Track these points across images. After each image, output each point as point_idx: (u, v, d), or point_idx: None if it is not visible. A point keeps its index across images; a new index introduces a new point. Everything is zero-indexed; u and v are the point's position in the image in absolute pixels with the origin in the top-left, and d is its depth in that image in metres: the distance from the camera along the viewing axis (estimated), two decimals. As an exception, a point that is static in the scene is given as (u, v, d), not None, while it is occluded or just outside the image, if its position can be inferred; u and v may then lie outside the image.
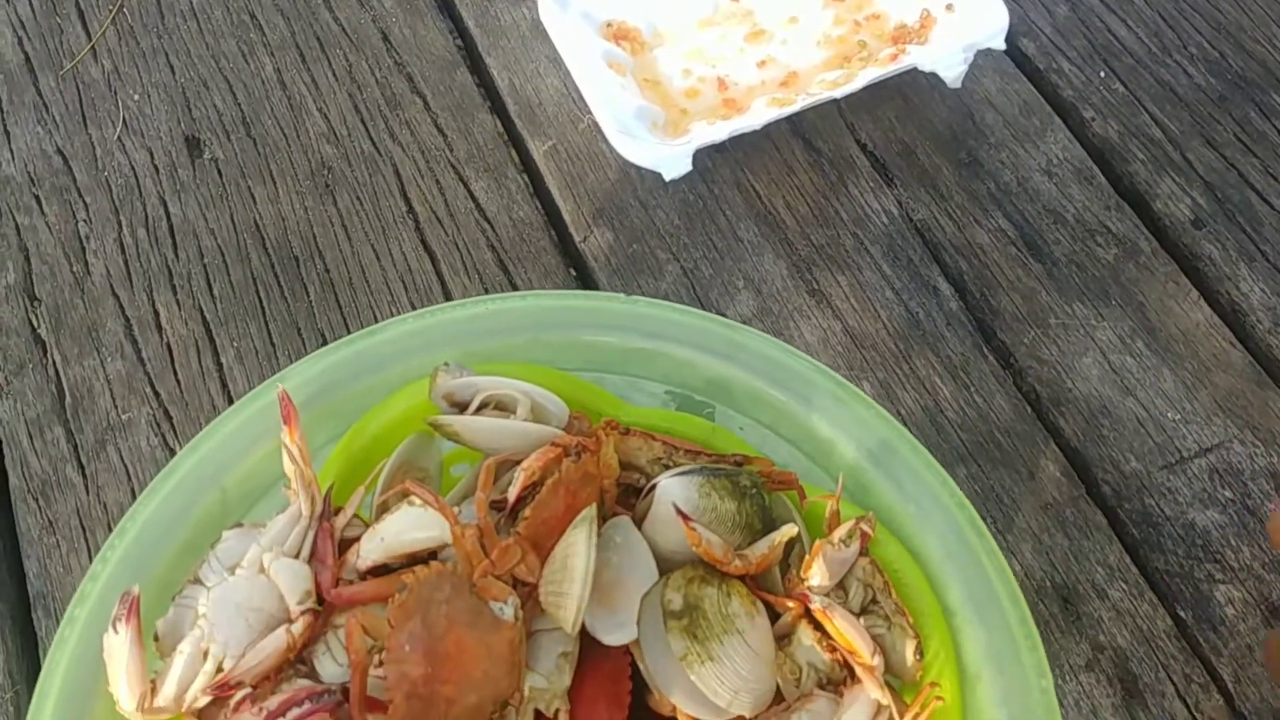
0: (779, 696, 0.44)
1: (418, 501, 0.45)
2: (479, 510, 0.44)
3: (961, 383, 0.65)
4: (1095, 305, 0.68)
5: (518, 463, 0.48)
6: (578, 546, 0.42)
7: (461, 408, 0.50)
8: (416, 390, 0.51)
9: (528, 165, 0.76)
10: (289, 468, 0.47)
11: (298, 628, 0.43)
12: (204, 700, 0.41)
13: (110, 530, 0.63)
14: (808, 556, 0.44)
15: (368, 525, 0.48)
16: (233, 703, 0.41)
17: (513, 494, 0.45)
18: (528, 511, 0.44)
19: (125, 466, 0.65)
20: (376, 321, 0.53)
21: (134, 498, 0.64)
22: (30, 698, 0.43)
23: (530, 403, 0.49)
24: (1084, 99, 0.77)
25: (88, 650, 0.43)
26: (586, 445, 0.46)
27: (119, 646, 0.42)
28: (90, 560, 0.62)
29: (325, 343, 0.67)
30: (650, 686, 0.45)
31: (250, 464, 0.49)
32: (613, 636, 0.44)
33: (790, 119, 0.74)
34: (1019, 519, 0.61)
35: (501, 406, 0.50)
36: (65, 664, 0.43)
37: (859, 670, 0.42)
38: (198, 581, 0.45)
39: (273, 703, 0.40)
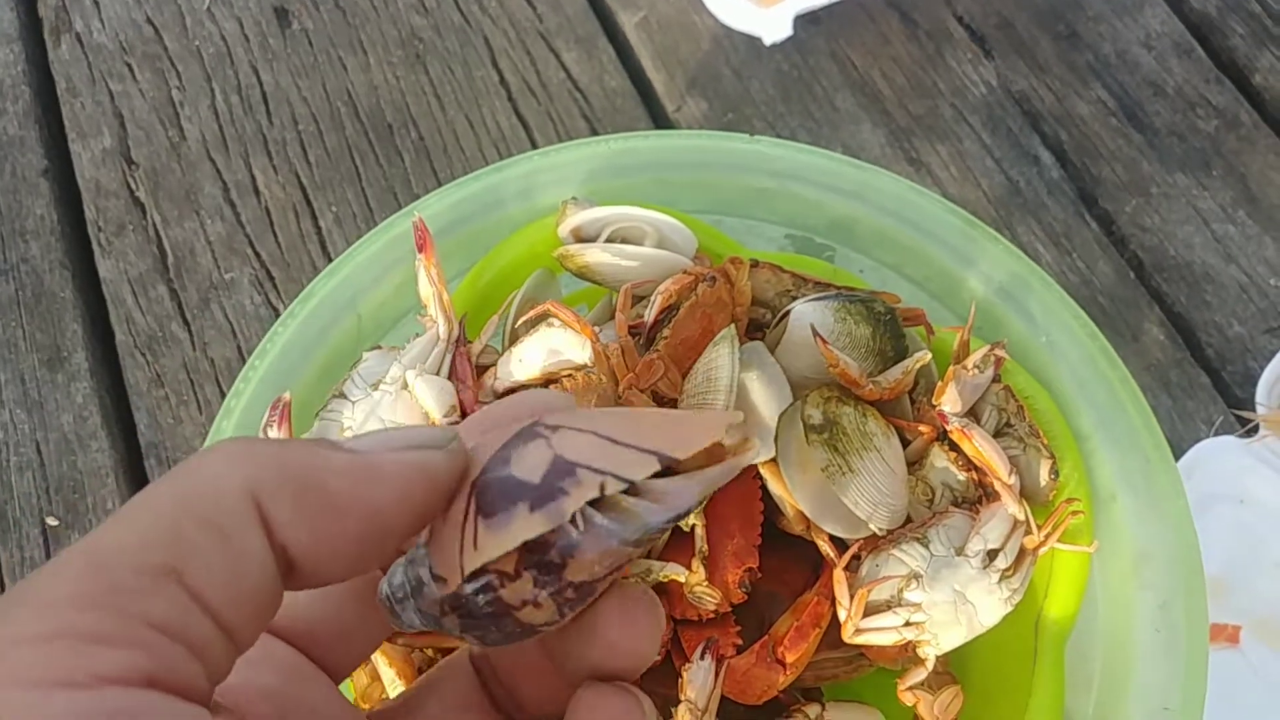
0: (909, 519, 0.45)
1: (556, 324, 0.46)
2: (619, 330, 0.44)
3: (1064, 249, 0.65)
4: (1196, 175, 0.68)
5: (644, 298, 0.48)
6: (720, 360, 0.43)
7: (588, 243, 0.50)
8: (541, 226, 0.51)
9: (618, 37, 0.75)
10: (425, 292, 0.47)
11: (445, 438, 0.44)
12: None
13: (219, 384, 0.64)
14: (940, 383, 0.45)
15: (500, 355, 0.48)
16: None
17: (650, 315, 0.45)
18: (666, 332, 0.45)
19: (230, 323, 0.65)
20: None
21: (240, 353, 0.65)
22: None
23: (658, 235, 0.49)
24: (1183, -25, 0.76)
25: (238, 460, 0.44)
26: (720, 270, 0.46)
27: (272, 453, 0.43)
28: (199, 412, 0.63)
29: (423, 207, 0.67)
30: (782, 507, 0.45)
31: (384, 292, 0.49)
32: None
33: (885, -9, 0.74)
34: (1123, 379, 0.61)
35: (628, 241, 0.50)
36: (216, 472, 0.44)
37: (997, 487, 0.42)
38: (342, 396, 0.45)
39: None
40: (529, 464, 0.20)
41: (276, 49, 0.75)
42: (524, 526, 0.19)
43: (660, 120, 0.72)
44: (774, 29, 0.68)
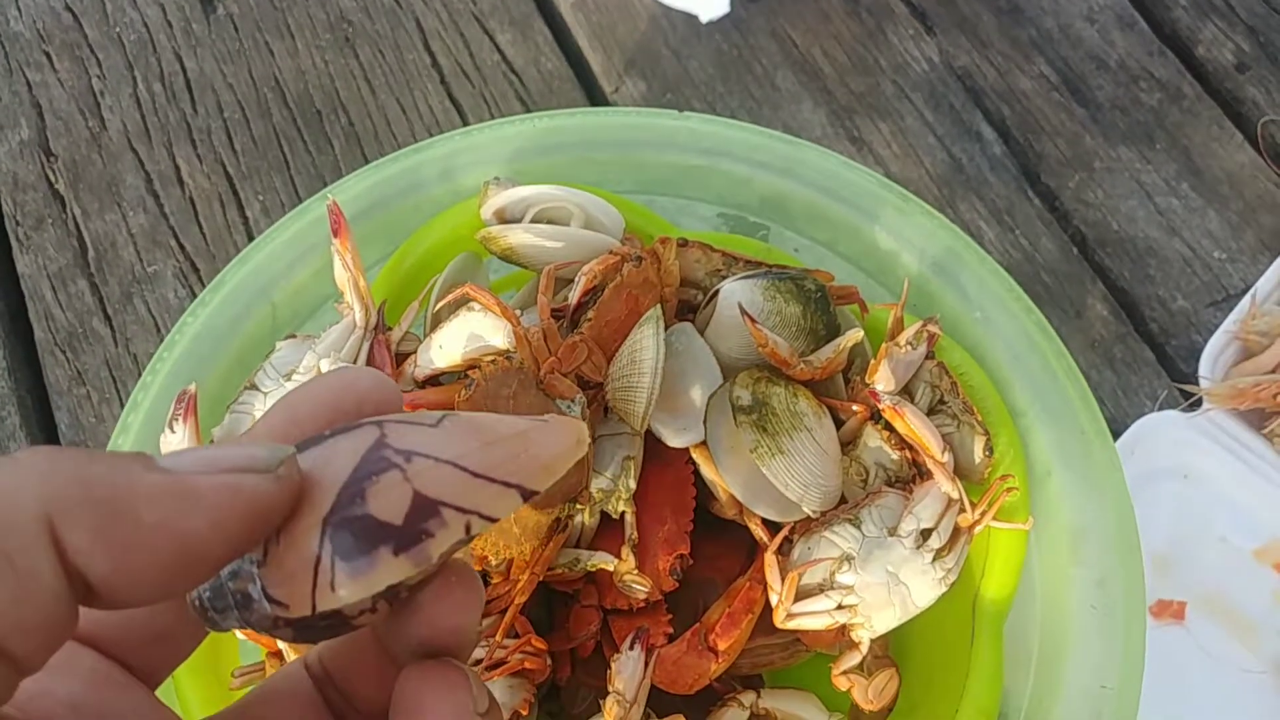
0: (843, 500, 0.44)
1: (476, 308, 0.44)
2: (541, 312, 0.43)
3: (1006, 225, 0.64)
4: (1140, 149, 0.67)
5: (569, 280, 0.47)
6: (645, 341, 0.42)
7: (512, 225, 0.48)
8: (465, 209, 0.49)
9: (554, 17, 0.74)
10: (341, 277, 0.45)
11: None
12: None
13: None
14: (873, 361, 0.44)
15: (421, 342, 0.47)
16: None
17: (574, 297, 0.44)
18: (591, 314, 0.43)
19: (153, 317, 0.63)
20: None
21: (165, 348, 0.62)
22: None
23: (584, 215, 0.48)
24: (1124, -52, 0.75)
25: (144, 456, 0.42)
26: (649, 251, 0.45)
27: (177, 446, 0.41)
28: (122, 409, 0.61)
29: (354, 194, 0.65)
30: (715, 491, 0.44)
31: (300, 279, 0.47)
32: (679, 438, 0.43)
33: (825, -33, 0.72)
34: (1066, 355, 0.60)
35: (554, 222, 0.48)
36: (122, 470, 0.42)
37: (930, 465, 0.41)
38: (254, 388, 0.44)
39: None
40: (388, 502, 0.18)
41: (200, 34, 0.73)
42: (389, 572, 0.18)
43: (598, 102, 0.70)
44: (710, 6, 0.66)
